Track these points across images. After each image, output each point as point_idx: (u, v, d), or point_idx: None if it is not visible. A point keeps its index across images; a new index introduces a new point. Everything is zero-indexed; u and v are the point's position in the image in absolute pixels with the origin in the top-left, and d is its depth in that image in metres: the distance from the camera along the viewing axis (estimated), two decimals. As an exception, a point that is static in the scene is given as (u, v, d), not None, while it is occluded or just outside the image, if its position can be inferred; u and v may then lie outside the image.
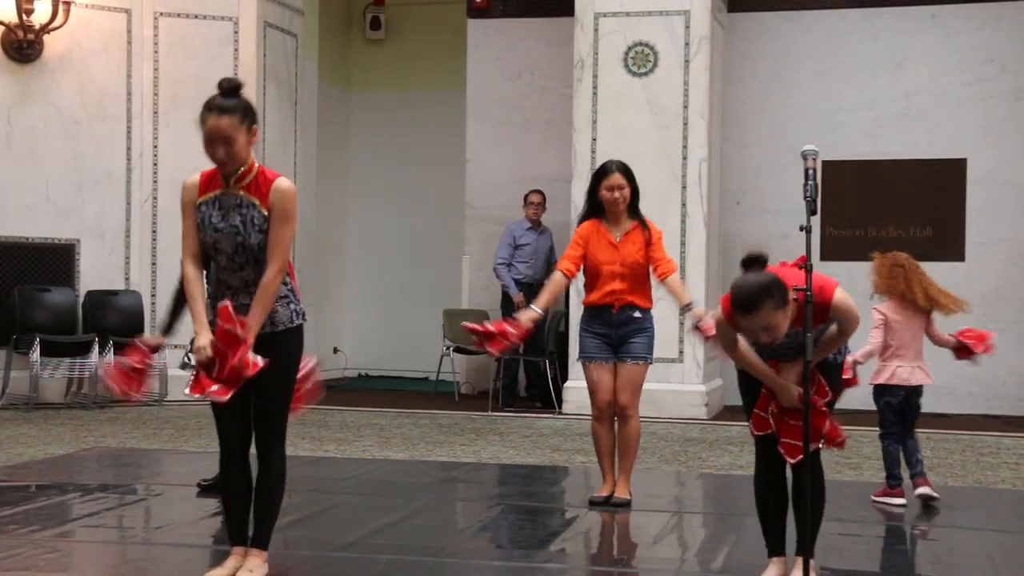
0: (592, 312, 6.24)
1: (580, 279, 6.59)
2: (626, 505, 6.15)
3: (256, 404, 4.48)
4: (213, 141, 4.36)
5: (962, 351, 6.54)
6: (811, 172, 4.37)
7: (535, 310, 6.00)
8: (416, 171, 13.76)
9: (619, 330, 6.17)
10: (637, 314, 6.15)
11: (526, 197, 11.44)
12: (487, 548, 5.51)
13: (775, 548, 4.59)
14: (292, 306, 4.52)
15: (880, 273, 6.51)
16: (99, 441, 8.48)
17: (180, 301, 5.99)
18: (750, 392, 4.66)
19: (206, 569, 4.57)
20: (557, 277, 6.24)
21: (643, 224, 6.24)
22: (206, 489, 6.35)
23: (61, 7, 10.45)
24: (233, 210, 4.41)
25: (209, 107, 4.38)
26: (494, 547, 5.55)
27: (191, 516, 6.01)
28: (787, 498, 4.57)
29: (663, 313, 10.09)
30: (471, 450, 8.38)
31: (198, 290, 4.44)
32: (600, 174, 6.25)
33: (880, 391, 6.46)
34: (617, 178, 6.17)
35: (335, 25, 13.74)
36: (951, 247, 11.09)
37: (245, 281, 4.43)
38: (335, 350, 13.61)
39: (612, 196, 6.15)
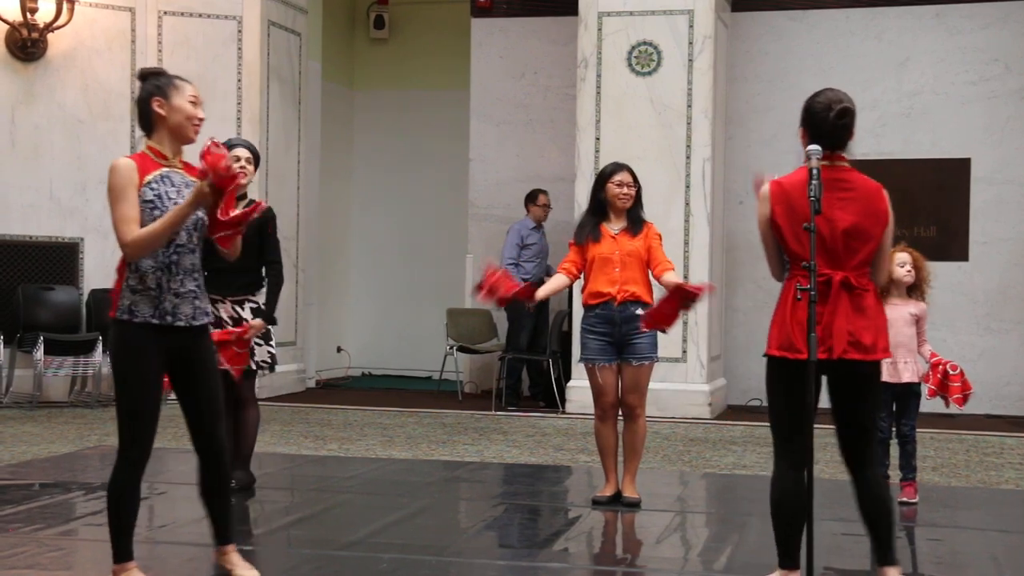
0: (593, 311, 6.20)
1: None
2: (637, 505, 6.16)
3: (204, 400, 4.34)
4: (198, 104, 4.39)
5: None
6: (815, 172, 4.35)
7: (534, 290, 6.11)
8: (419, 170, 13.76)
9: (621, 328, 6.13)
10: (639, 311, 6.12)
11: (536, 197, 11.41)
12: (490, 547, 5.51)
13: (782, 558, 4.35)
14: None
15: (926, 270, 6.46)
16: (102, 439, 8.48)
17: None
18: (784, 391, 4.31)
19: (209, 568, 4.57)
20: (559, 276, 6.31)
21: (641, 223, 6.25)
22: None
23: (65, 6, 10.45)
24: (184, 187, 4.31)
25: (181, 78, 4.41)
26: (497, 546, 5.55)
27: (194, 515, 5.99)
28: (801, 504, 4.32)
29: (666, 312, 10.11)
30: (474, 449, 8.38)
31: None
32: (612, 170, 6.31)
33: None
34: (627, 176, 6.25)
35: (339, 24, 13.74)
36: (955, 247, 11.08)
37: (194, 265, 4.33)
38: (338, 349, 13.63)
39: (622, 192, 6.21)
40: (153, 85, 4.35)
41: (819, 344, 4.16)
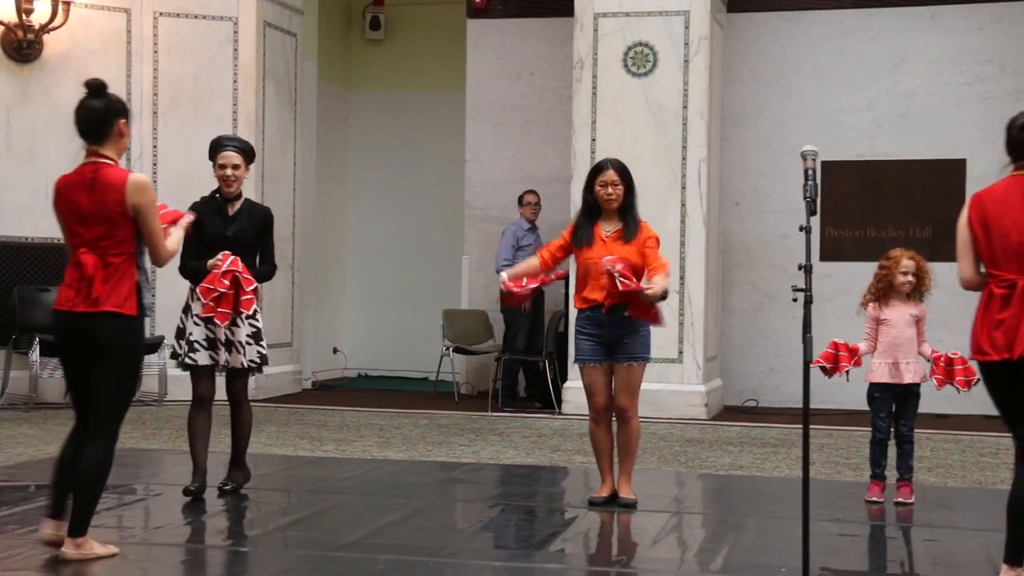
0: (584, 314, 6.21)
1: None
2: (633, 506, 6.15)
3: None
4: None
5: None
6: (810, 172, 4.38)
7: (502, 275, 6.30)
8: (415, 171, 13.76)
9: (611, 330, 6.12)
10: (628, 313, 6.12)
11: (522, 198, 11.43)
12: (487, 548, 5.51)
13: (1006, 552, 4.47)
14: None
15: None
16: (98, 441, 8.46)
17: None
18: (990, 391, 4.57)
19: (206, 568, 4.56)
20: (533, 260, 6.43)
21: (636, 225, 6.19)
22: (189, 492, 6.24)
23: (61, 7, 10.45)
24: None
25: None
26: (494, 547, 5.56)
27: (189, 516, 6.01)
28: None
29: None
30: (471, 450, 8.38)
31: None
32: (596, 170, 6.27)
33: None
34: (612, 175, 6.17)
35: (335, 25, 13.74)
36: (950, 248, 10.98)
37: None
38: (335, 350, 13.62)
39: (606, 193, 6.16)
40: (123, 105, 4.90)
41: (1004, 347, 4.39)
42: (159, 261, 4.88)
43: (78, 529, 4.74)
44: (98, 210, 4.76)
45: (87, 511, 4.76)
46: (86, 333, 4.74)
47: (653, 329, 6.24)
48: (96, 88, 4.86)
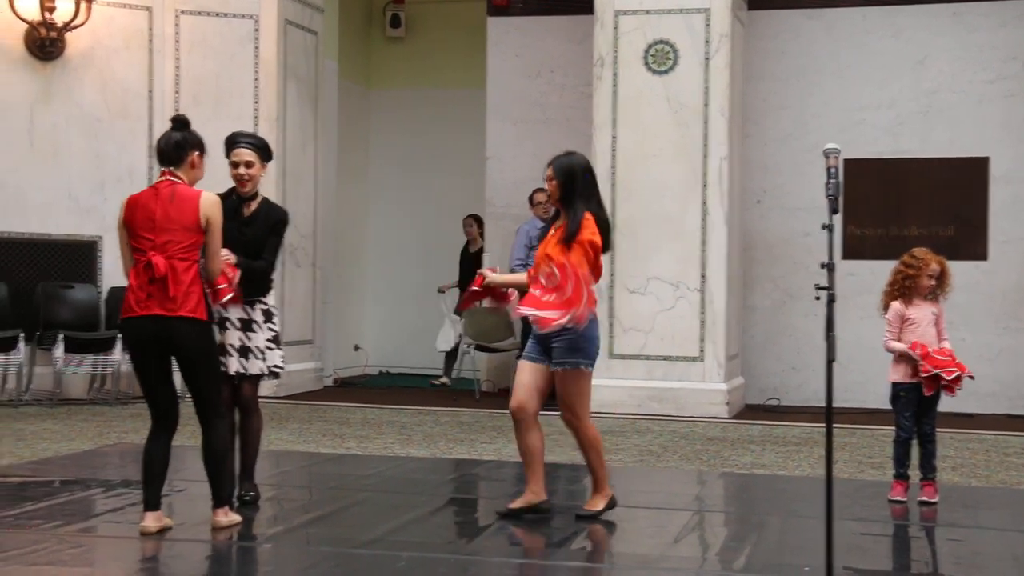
0: None
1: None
2: (587, 517, 5.73)
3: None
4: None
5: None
6: (833, 170, 4.36)
7: (489, 272, 6.11)
8: (436, 169, 13.77)
9: (539, 333, 5.70)
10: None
11: (532, 197, 11.35)
12: (507, 546, 5.51)
13: None
14: None
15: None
16: (122, 437, 8.52)
17: None
18: None
19: (229, 565, 4.58)
20: (521, 275, 6.27)
21: (576, 223, 5.65)
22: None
23: (83, 5, 10.50)
24: None
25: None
26: (515, 545, 5.55)
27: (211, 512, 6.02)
28: None
29: (683, 312, 10.10)
30: (492, 448, 8.38)
31: None
32: None
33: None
34: (548, 172, 5.78)
35: (355, 23, 13.76)
36: (974, 246, 11.04)
37: None
38: (356, 347, 13.65)
39: (545, 186, 5.92)
40: (199, 140, 5.42)
41: None
42: (213, 272, 5.29)
43: (225, 500, 5.42)
44: (174, 218, 5.15)
45: (228, 482, 5.50)
46: (163, 337, 5.13)
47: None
48: (180, 122, 5.42)
